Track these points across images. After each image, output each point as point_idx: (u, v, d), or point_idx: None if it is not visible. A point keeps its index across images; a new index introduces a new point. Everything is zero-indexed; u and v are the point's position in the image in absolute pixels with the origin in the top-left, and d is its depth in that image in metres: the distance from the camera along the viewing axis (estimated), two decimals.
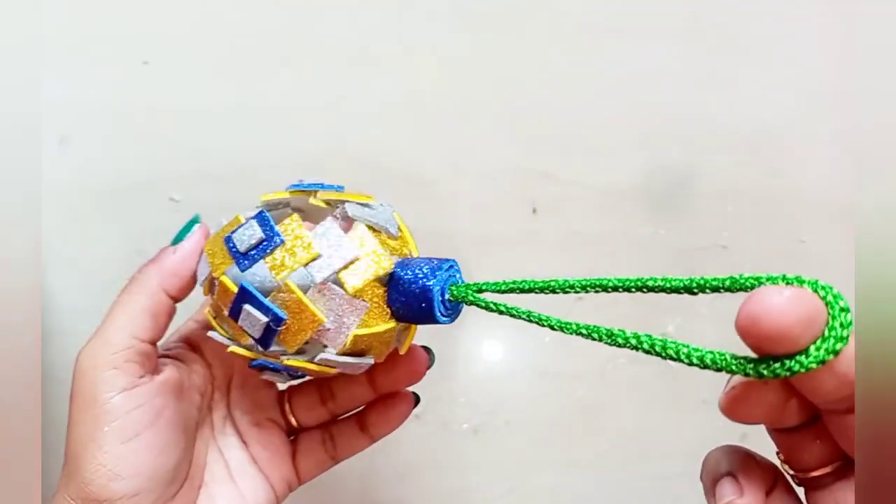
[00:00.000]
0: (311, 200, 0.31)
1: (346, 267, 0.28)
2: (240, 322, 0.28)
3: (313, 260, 0.28)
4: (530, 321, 0.26)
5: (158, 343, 0.31)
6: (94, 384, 0.28)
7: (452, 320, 0.29)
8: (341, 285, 0.28)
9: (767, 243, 0.51)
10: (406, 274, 0.29)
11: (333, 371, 0.29)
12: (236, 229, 0.29)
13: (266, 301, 0.28)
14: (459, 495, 0.47)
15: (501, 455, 0.47)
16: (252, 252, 0.29)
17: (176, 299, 0.30)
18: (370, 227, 0.29)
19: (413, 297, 0.28)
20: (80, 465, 0.27)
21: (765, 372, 0.20)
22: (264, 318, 0.28)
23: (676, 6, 0.52)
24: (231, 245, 0.29)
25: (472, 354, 0.47)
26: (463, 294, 0.28)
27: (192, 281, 0.30)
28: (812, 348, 0.19)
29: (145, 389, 0.29)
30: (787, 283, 0.20)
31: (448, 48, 0.50)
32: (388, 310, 0.29)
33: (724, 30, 0.53)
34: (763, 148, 0.52)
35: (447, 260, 0.29)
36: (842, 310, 0.19)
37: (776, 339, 0.18)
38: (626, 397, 0.49)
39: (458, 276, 0.29)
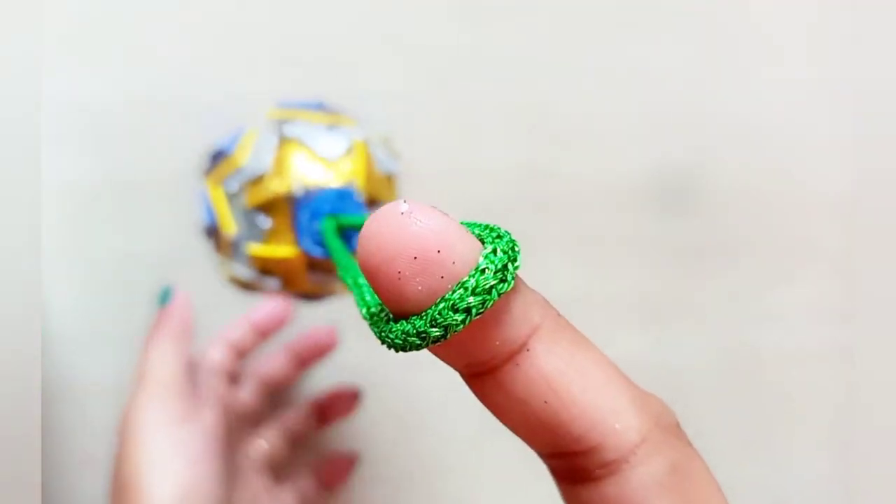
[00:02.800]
0: (266, 115, 0.30)
1: (253, 182, 0.27)
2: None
3: (236, 170, 0.28)
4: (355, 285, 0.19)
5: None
6: (145, 422, 0.28)
7: (326, 254, 0.25)
8: (245, 198, 0.27)
9: (770, 243, 0.51)
10: (303, 198, 0.26)
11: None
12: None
13: (208, 202, 0.28)
14: (459, 501, 0.47)
15: (502, 460, 0.47)
16: (214, 158, 0.30)
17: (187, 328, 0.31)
18: (304, 147, 0.28)
19: (296, 221, 0.26)
20: (140, 496, 0.27)
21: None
22: (205, 220, 0.29)
23: (686, 2, 0.52)
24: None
25: None
26: (331, 225, 0.24)
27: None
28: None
29: (194, 418, 0.28)
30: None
31: (448, 45, 0.49)
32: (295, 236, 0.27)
33: (728, 30, 0.53)
34: (767, 148, 0.52)
35: (348, 191, 0.26)
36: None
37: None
38: None
39: (354, 210, 0.26)
